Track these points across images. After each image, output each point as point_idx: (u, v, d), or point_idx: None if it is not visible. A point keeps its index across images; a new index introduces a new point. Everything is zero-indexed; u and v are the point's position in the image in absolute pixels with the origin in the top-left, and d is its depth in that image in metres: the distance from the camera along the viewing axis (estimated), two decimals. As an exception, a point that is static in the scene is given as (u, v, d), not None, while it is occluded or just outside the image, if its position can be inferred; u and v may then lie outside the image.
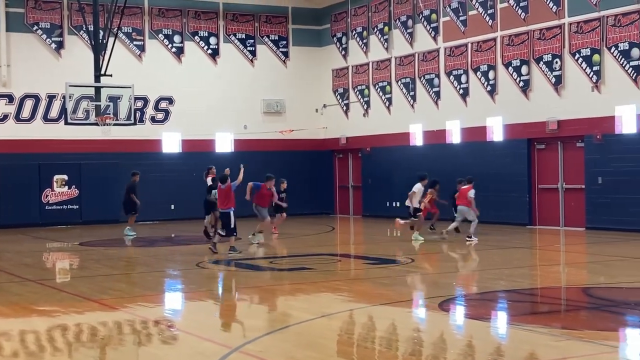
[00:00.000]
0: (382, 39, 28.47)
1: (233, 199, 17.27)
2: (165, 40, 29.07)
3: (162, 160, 28.81)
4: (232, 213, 17.15)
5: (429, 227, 21.94)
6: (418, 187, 20.18)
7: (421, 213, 20.26)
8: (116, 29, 24.73)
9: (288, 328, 9.99)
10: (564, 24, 22.14)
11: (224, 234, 17.79)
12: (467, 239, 19.20)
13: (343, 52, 30.37)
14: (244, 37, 30.24)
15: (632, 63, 20.46)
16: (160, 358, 8.53)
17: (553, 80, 22.45)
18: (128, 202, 23.24)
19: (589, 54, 21.48)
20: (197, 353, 8.56)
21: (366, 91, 29.35)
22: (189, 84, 29.08)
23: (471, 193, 19.44)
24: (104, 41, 23.58)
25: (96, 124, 23.17)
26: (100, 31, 23.87)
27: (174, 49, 29.18)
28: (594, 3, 21.31)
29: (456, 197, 20.32)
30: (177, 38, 29.22)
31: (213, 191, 19.91)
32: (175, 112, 29.02)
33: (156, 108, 28.91)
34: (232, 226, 17.17)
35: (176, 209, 28.71)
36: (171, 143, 29.05)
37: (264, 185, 20.15)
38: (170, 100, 29.05)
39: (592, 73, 21.42)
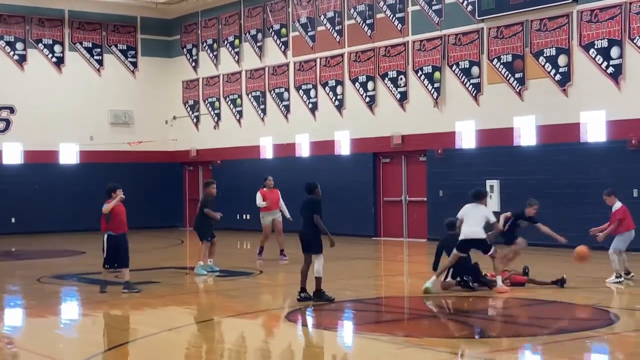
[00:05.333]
0: (232, 52, 28.52)
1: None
2: (6, 47, 27.94)
3: (2, 171, 27.66)
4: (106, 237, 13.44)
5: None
6: None
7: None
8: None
9: (133, 342, 9.83)
10: (408, 41, 22.92)
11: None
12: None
13: (193, 64, 30.20)
14: (90, 45, 29.51)
15: (472, 81, 21.43)
16: (-3, 377, 8.21)
17: (398, 96, 23.18)
18: (203, 224, 16.73)
19: (430, 71, 22.33)
20: (37, 371, 8.30)
21: (217, 103, 29.29)
22: (31, 93, 28.06)
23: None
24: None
25: None
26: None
27: (16, 57, 28.11)
28: (436, 22, 22.18)
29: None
30: (19, 45, 28.17)
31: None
32: (16, 121, 27.93)
33: (-4, 117, 27.79)
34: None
35: (17, 222, 27.62)
36: (12, 154, 27.93)
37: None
38: (11, 110, 27.95)
39: (433, 90, 22.27)
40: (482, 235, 13.10)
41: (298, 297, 12.24)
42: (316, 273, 12.18)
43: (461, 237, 13.12)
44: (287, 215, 18.37)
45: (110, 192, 13.36)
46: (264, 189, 18.51)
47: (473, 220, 13.09)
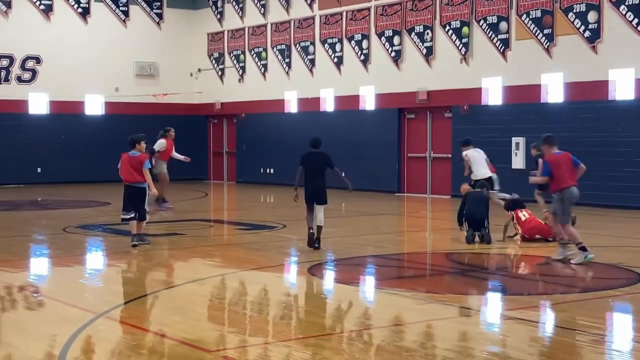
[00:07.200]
0: (258, 4, 28.31)
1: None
2: (32, -3, 27.99)
3: (29, 121, 27.84)
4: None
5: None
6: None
7: None
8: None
9: (157, 293, 9.93)
10: (436, -4, 22.63)
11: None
12: None
13: (219, 16, 30.04)
14: (116, -4, 29.47)
15: (500, 36, 21.15)
16: (24, 325, 8.32)
17: (424, 51, 22.95)
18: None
19: (458, 26, 22.06)
20: (62, 319, 8.40)
21: (242, 57, 29.17)
22: (58, 44, 28.10)
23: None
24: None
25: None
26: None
27: (42, 7, 28.11)
28: (465, -23, 21.86)
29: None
30: (45, -5, 28.20)
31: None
32: (43, 72, 28.03)
33: (23, 67, 27.84)
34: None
35: (43, 172, 27.87)
36: (38, 104, 28.09)
37: None
38: (37, 60, 28.03)
39: (461, 45, 22.02)
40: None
41: (317, 246, 12.79)
42: (321, 222, 12.88)
43: (479, 177, 15.38)
44: (181, 157, 19.93)
45: (135, 143, 13.23)
46: (168, 139, 19.71)
47: (482, 162, 15.83)
